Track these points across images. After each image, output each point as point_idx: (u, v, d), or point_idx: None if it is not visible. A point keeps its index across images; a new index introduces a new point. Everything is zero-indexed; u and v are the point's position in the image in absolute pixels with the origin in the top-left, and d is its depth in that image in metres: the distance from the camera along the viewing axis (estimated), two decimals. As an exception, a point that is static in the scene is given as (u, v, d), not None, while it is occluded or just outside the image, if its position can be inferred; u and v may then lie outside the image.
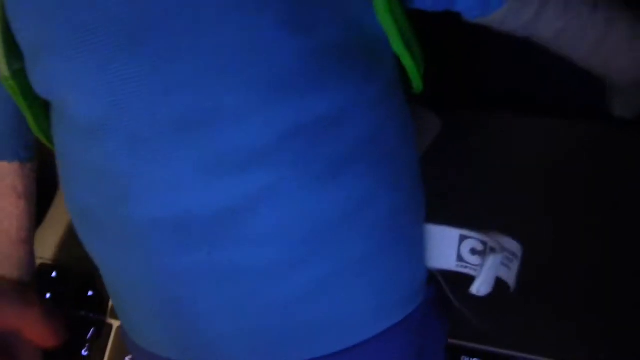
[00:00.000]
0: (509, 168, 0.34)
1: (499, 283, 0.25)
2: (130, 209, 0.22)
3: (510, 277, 0.25)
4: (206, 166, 0.20)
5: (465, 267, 0.25)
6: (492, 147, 0.34)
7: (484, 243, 0.24)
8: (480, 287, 0.24)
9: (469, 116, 0.35)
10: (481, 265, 0.24)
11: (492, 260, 0.23)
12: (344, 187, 0.21)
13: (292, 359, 0.23)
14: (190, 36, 0.20)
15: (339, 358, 0.23)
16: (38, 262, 0.36)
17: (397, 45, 0.23)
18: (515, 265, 0.25)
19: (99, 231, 0.23)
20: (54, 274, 0.37)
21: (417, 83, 0.25)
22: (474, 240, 0.24)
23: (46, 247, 0.38)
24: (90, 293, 0.37)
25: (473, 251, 0.24)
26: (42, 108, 0.25)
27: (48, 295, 0.36)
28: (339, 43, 0.21)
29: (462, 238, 0.24)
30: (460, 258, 0.25)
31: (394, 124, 0.23)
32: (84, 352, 0.35)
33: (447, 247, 0.25)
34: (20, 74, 0.24)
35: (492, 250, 0.24)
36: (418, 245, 0.24)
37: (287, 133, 0.20)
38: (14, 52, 0.24)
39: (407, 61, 0.24)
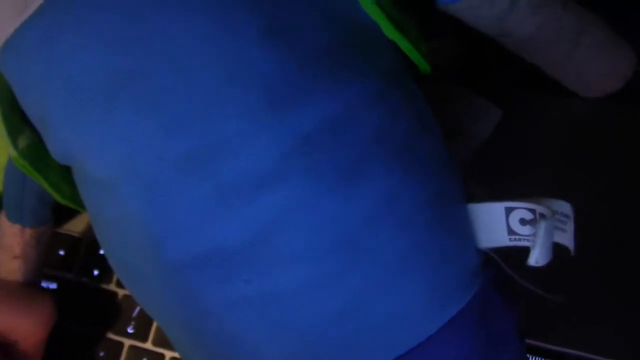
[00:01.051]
0: (562, 148, 0.33)
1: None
2: (162, 255, 0.21)
3: (567, 239, 0.23)
4: (223, 198, 0.20)
5: (519, 239, 0.23)
6: (537, 127, 0.34)
7: (532, 211, 0.23)
8: (538, 257, 0.22)
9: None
10: (534, 235, 0.23)
11: (544, 227, 0.22)
12: (363, 189, 0.21)
13: None
14: (182, 76, 0.20)
15: None
16: (86, 239, 0.38)
17: (390, 31, 0.22)
18: (570, 227, 0.23)
19: (141, 282, 0.23)
20: (101, 251, 0.38)
21: (422, 65, 0.24)
22: (521, 210, 0.23)
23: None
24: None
25: (523, 221, 0.23)
26: (61, 176, 0.26)
27: (96, 272, 0.37)
28: (328, 45, 0.21)
29: (508, 210, 0.23)
30: (511, 231, 0.23)
31: (406, 115, 0.22)
32: (130, 330, 0.36)
33: (494, 223, 0.23)
34: (29, 151, 0.25)
35: (542, 216, 0.23)
36: (462, 229, 0.23)
37: (293, 147, 0.20)
38: (20, 130, 0.24)
39: (405, 44, 0.23)
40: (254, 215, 0.20)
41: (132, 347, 0.35)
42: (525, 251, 0.23)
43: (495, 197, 0.24)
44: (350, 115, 0.21)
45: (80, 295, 0.37)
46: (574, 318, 0.31)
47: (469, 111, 0.32)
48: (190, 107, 0.20)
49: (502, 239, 0.24)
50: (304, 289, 0.21)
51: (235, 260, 0.21)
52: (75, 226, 0.39)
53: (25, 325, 0.30)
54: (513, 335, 0.25)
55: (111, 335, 0.36)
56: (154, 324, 0.36)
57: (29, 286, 0.31)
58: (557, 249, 0.23)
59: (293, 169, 0.20)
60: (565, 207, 0.23)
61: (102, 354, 0.36)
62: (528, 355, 0.31)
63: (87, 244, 0.38)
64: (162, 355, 0.35)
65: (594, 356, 0.31)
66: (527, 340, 0.31)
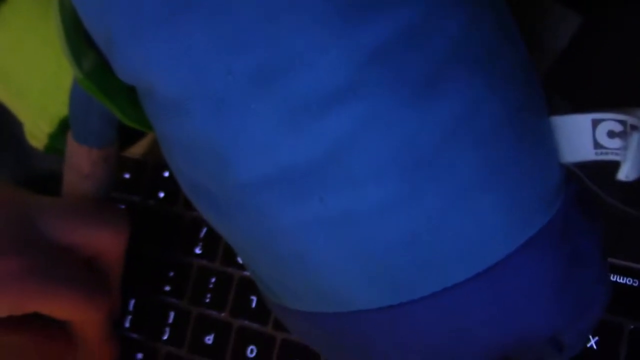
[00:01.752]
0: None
1: None
2: (233, 175, 0.21)
3: (660, 152, 0.22)
4: (294, 114, 0.19)
5: (607, 153, 0.22)
6: (620, 32, 0.31)
7: (623, 122, 0.21)
8: (629, 172, 0.21)
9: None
10: (625, 147, 0.21)
11: (637, 139, 0.21)
12: (444, 99, 0.19)
13: (423, 292, 0.21)
14: None
15: (480, 284, 0.21)
16: (151, 161, 0.38)
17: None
18: (663, 138, 0.22)
19: (212, 203, 0.23)
20: (166, 174, 0.38)
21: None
22: (609, 122, 0.22)
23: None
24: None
25: (611, 134, 0.22)
26: (126, 97, 0.25)
27: (161, 195, 0.38)
28: None
29: (595, 122, 0.22)
30: (597, 145, 0.22)
31: (487, 21, 0.21)
32: (197, 251, 0.36)
33: (580, 136, 0.22)
34: (96, 72, 0.24)
35: (634, 127, 0.21)
36: (544, 143, 0.22)
37: (367, 60, 0.19)
38: (84, 52, 0.24)
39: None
40: (326, 132, 0.19)
41: (200, 267, 0.36)
42: (610, 167, 0.22)
43: (579, 109, 0.22)
44: (427, 23, 0.19)
45: (147, 218, 0.38)
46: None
47: (546, 19, 0.30)
48: (258, 19, 0.19)
49: (587, 153, 0.22)
50: (378, 209, 0.20)
51: (307, 179, 0.20)
52: (139, 149, 0.39)
53: (105, 237, 0.31)
54: (596, 252, 0.24)
55: (180, 257, 0.36)
56: (222, 245, 0.36)
57: (102, 202, 0.32)
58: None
59: (367, 83, 0.19)
60: (659, 117, 0.21)
61: (171, 274, 0.36)
62: (611, 274, 0.30)
63: (152, 166, 0.38)
64: (231, 275, 0.35)
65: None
66: (611, 259, 0.30)
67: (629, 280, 0.30)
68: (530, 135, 0.21)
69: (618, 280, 0.30)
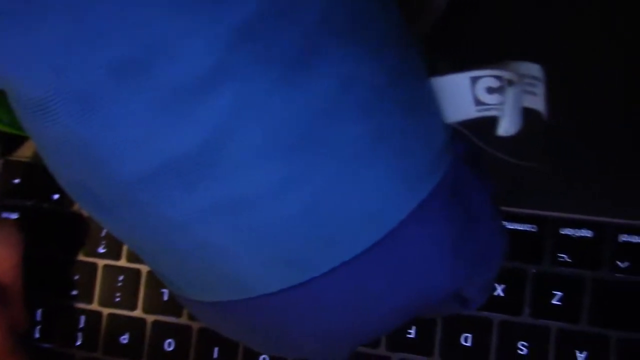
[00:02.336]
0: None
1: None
2: (113, 174, 0.20)
3: (538, 103, 0.22)
4: (167, 105, 0.19)
5: (488, 109, 0.22)
6: None
7: (499, 77, 0.22)
8: (507, 126, 0.21)
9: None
10: (503, 102, 0.21)
11: (512, 93, 0.21)
12: (318, 74, 0.19)
13: (323, 269, 0.21)
14: None
15: (377, 253, 0.21)
16: (40, 163, 0.36)
17: None
18: (540, 89, 0.22)
19: (97, 204, 0.22)
20: None
21: None
22: (487, 78, 0.22)
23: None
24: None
25: (490, 90, 0.22)
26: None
27: (56, 196, 0.36)
28: None
29: (474, 79, 0.22)
30: (478, 102, 0.22)
31: None
32: (101, 250, 0.35)
33: (460, 95, 0.22)
34: None
35: (510, 82, 0.22)
36: (427, 106, 0.22)
37: (235, 39, 0.18)
38: None
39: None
40: (203, 119, 0.19)
41: (106, 266, 0.35)
42: (494, 122, 0.22)
43: (459, 68, 0.23)
44: None
45: (44, 222, 0.36)
46: (550, 182, 0.31)
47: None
48: (116, 10, 0.18)
49: (469, 111, 0.22)
50: (268, 191, 0.20)
51: (192, 168, 0.20)
52: (26, 151, 0.37)
53: None
54: (488, 206, 0.24)
55: (83, 258, 0.35)
56: (125, 241, 0.35)
57: None
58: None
59: (238, 63, 0.18)
60: (534, 69, 0.22)
61: (77, 277, 0.35)
62: (510, 223, 0.31)
63: (43, 167, 0.36)
64: (138, 271, 0.34)
65: (571, 215, 0.31)
66: (509, 208, 0.31)
67: (528, 227, 0.31)
68: (411, 99, 0.21)
69: (518, 228, 0.31)
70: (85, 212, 0.35)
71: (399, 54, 0.21)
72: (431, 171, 0.22)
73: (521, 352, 0.31)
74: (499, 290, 0.31)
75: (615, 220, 0.30)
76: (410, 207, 0.21)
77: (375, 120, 0.20)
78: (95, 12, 0.18)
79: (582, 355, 0.30)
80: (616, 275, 0.30)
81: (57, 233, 0.36)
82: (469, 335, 0.31)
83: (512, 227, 0.31)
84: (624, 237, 0.30)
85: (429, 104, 0.22)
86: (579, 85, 0.31)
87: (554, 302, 0.31)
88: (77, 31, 0.18)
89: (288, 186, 0.20)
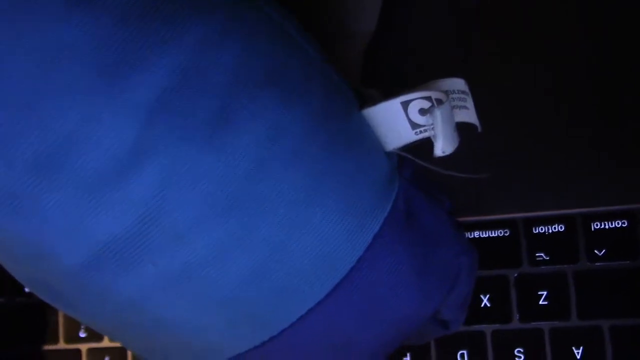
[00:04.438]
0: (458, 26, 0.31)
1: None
2: (56, 264, 0.20)
3: (470, 116, 0.22)
4: (91, 192, 0.18)
5: (425, 130, 0.22)
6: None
7: (428, 98, 0.21)
8: (443, 146, 0.21)
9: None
10: (433, 123, 0.21)
11: (439, 113, 0.21)
12: (241, 132, 0.19)
13: (289, 320, 0.21)
14: None
15: (342, 293, 0.21)
16: None
17: None
18: (470, 103, 0.22)
19: (52, 293, 0.22)
20: None
21: None
22: (416, 100, 0.22)
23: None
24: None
25: (422, 111, 0.22)
26: None
27: (27, 289, 0.36)
28: None
29: (405, 104, 0.22)
30: (414, 125, 0.22)
31: (264, 39, 0.20)
32: (82, 334, 0.35)
33: (396, 121, 0.22)
34: None
35: (439, 101, 0.21)
36: (363, 139, 0.22)
37: (149, 112, 0.18)
38: None
39: None
40: (131, 198, 0.18)
41: (90, 350, 0.34)
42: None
43: (388, 94, 0.22)
44: (201, 61, 0.19)
45: (21, 315, 0.35)
46: (512, 185, 0.31)
47: (348, 3, 0.30)
48: (26, 104, 0.18)
49: (408, 135, 0.22)
50: (212, 255, 0.19)
51: (132, 248, 0.19)
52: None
53: None
54: (447, 224, 0.24)
55: (66, 346, 0.34)
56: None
57: None
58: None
59: (157, 137, 0.18)
60: (459, 83, 0.22)
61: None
62: (466, 233, 0.31)
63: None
64: (124, 349, 0.34)
65: (540, 213, 0.30)
66: (477, 218, 0.31)
67: (500, 232, 0.31)
68: (344, 137, 0.21)
69: (490, 235, 0.31)
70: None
71: (323, 95, 0.21)
72: (379, 203, 0.21)
73: (519, 359, 0.30)
74: (485, 301, 0.31)
75: (584, 210, 0.30)
76: (366, 242, 0.21)
77: (308, 165, 0.20)
78: (9, 106, 0.18)
79: (578, 350, 0.30)
80: (596, 264, 0.30)
81: (35, 325, 0.35)
82: (464, 351, 0.31)
83: (484, 235, 0.31)
84: (595, 225, 0.30)
85: (364, 137, 0.22)
86: (510, 88, 0.31)
87: (541, 302, 0.30)
88: None
89: (229, 248, 0.19)
